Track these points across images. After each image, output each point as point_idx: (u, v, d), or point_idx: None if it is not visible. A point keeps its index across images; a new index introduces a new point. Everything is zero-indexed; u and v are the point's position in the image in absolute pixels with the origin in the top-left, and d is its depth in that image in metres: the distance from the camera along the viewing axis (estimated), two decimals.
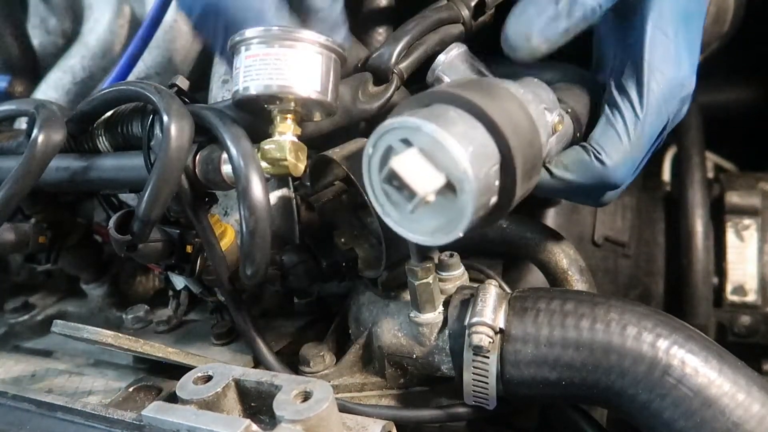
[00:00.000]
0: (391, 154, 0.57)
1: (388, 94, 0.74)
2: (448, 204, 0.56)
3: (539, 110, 0.66)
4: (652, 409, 0.57)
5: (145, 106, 0.73)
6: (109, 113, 0.77)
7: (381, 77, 0.74)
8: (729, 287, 1.04)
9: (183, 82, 0.72)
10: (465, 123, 0.57)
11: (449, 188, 0.55)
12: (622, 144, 0.69)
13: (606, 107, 0.71)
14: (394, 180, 0.56)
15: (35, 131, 0.71)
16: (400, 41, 0.73)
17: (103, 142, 0.77)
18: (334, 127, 0.71)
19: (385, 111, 0.74)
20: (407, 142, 0.56)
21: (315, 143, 0.71)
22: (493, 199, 0.58)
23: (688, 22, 0.70)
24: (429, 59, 0.76)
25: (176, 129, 0.63)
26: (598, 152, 0.69)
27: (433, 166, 0.55)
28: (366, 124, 0.78)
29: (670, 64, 0.69)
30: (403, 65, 0.74)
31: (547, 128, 0.66)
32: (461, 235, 0.56)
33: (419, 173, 0.55)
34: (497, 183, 0.58)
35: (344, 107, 0.70)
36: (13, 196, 0.70)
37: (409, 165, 0.55)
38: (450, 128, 0.55)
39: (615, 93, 0.70)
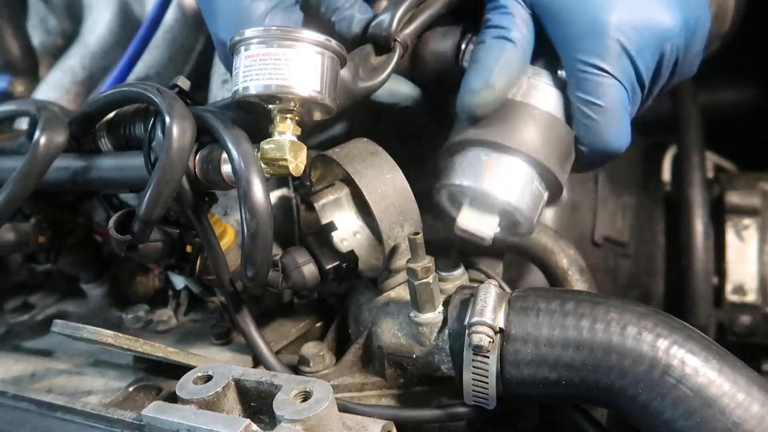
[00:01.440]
0: (453, 208, 0.74)
1: (390, 67, 0.70)
2: (513, 220, 0.71)
3: (550, 86, 0.71)
4: (651, 408, 0.57)
5: (148, 108, 0.73)
6: (111, 114, 0.77)
7: (383, 46, 0.71)
8: (729, 287, 1.04)
9: (184, 83, 0.72)
10: (495, 162, 0.69)
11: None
12: (599, 130, 0.68)
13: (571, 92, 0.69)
14: (465, 233, 0.71)
15: (38, 133, 0.71)
16: (400, 6, 0.70)
17: (105, 144, 0.77)
18: (337, 111, 0.68)
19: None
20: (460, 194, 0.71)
21: (317, 130, 0.70)
22: (546, 196, 0.71)
23: None
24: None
25: (178, 130, 0.63)
26: (582, 144, 0.70)
27: (488, 212, 0.70)
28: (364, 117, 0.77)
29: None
30: (406, 32, 0.70)
31: (561, 100, 0.71)
32: (533, 231, 0.74)
33: (478, 225, 0.71)
34: (542, 186, 0.71)
35: (344, 88, 0.68)
36: (15, 197, 0.70)
37: (468, 221, 0.71)
38: (486, 176, 0.68)
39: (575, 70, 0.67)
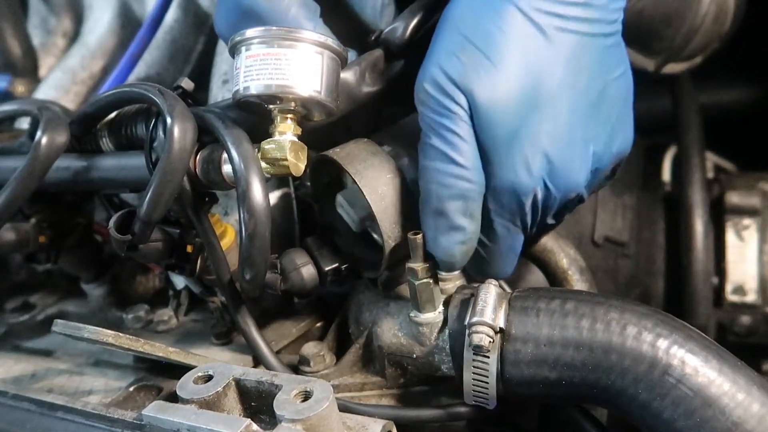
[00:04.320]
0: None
1: (399, 73, 0.70)
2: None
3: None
4: (652, 408, 0.57)
5: (149, 107, 0.73)
6: (112, 114, 0.77)
7: (394, 53, 0.71)
8: (729, 287, 1.04)
9: (188, 84, 0.72)
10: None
11: None
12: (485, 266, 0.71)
13: None
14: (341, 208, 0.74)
15: (39, 133, 0.71)
16: (416, 14, 0.70)
17: (106, 144, 0.77)
18: (340, 113, 0.69)
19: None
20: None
21: (318, 132, 0.70)
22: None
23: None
24: None
25: (179, 131, 0.63)
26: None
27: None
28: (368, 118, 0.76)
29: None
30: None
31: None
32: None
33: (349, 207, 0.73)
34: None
35: (348, 91, 0.68)
36: (16, 198, 0.70)
37: (343, 201, 0.73)
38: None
39: None
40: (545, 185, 0.65)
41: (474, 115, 0.63)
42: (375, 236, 0.75)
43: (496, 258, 0.70)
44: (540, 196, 0.65)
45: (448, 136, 0.63)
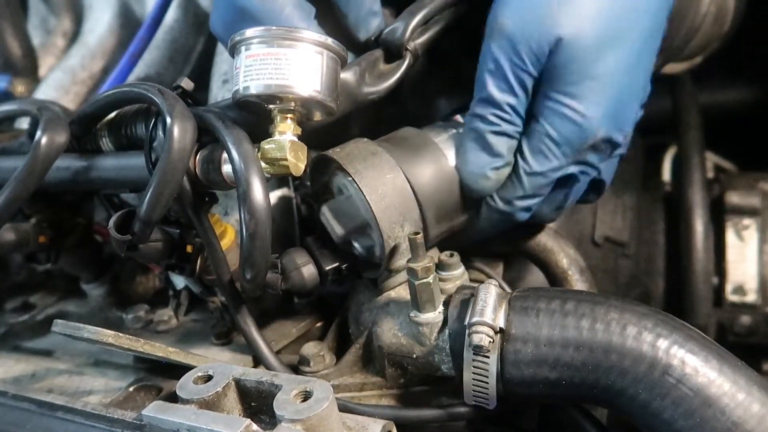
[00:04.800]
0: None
1: (398, 74, 0.71)
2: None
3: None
4: (652, 408, 0.57)
5: (149, 107, 0.73)
6: (112, 114, 0.77)
7: (393, 54, 0.71)
8: (729, 287, 1.04)
9: (188, 84, 0.72)
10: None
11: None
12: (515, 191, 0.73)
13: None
14: (325, 219, 0.75)
15: (39, 133, 0.71)
16: (415, 15, 0.71)
17: (106, 143, 0.77)
18: (339, 114, 0.69)
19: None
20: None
21: (319, 132, 0.70)
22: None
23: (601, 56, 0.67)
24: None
25: (179, 131, 0.63)
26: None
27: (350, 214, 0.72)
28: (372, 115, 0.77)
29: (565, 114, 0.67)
30: (418, 42, 0.71)
31: None
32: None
33: (336, 221, 0.74)
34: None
35: (348, 92, 0.68)
36: (16, 197, 0.70)
37: (330, 211, 0.74)
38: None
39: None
40: (607, 122, 0.68)
41: (554, 50, 0.64)
42: (357, 246, 0.75)
43: (533, 184, 0.72)
44: (602, 134, 0.68)
45: (504, 86, 0.67)
